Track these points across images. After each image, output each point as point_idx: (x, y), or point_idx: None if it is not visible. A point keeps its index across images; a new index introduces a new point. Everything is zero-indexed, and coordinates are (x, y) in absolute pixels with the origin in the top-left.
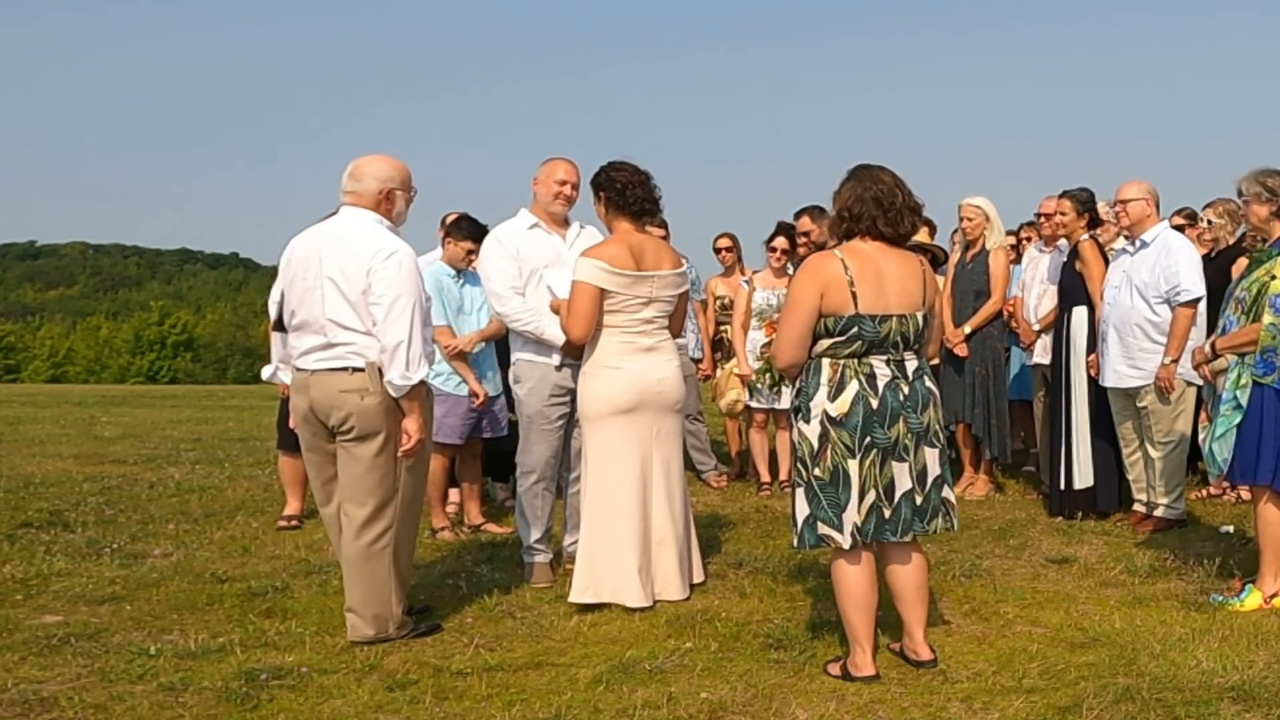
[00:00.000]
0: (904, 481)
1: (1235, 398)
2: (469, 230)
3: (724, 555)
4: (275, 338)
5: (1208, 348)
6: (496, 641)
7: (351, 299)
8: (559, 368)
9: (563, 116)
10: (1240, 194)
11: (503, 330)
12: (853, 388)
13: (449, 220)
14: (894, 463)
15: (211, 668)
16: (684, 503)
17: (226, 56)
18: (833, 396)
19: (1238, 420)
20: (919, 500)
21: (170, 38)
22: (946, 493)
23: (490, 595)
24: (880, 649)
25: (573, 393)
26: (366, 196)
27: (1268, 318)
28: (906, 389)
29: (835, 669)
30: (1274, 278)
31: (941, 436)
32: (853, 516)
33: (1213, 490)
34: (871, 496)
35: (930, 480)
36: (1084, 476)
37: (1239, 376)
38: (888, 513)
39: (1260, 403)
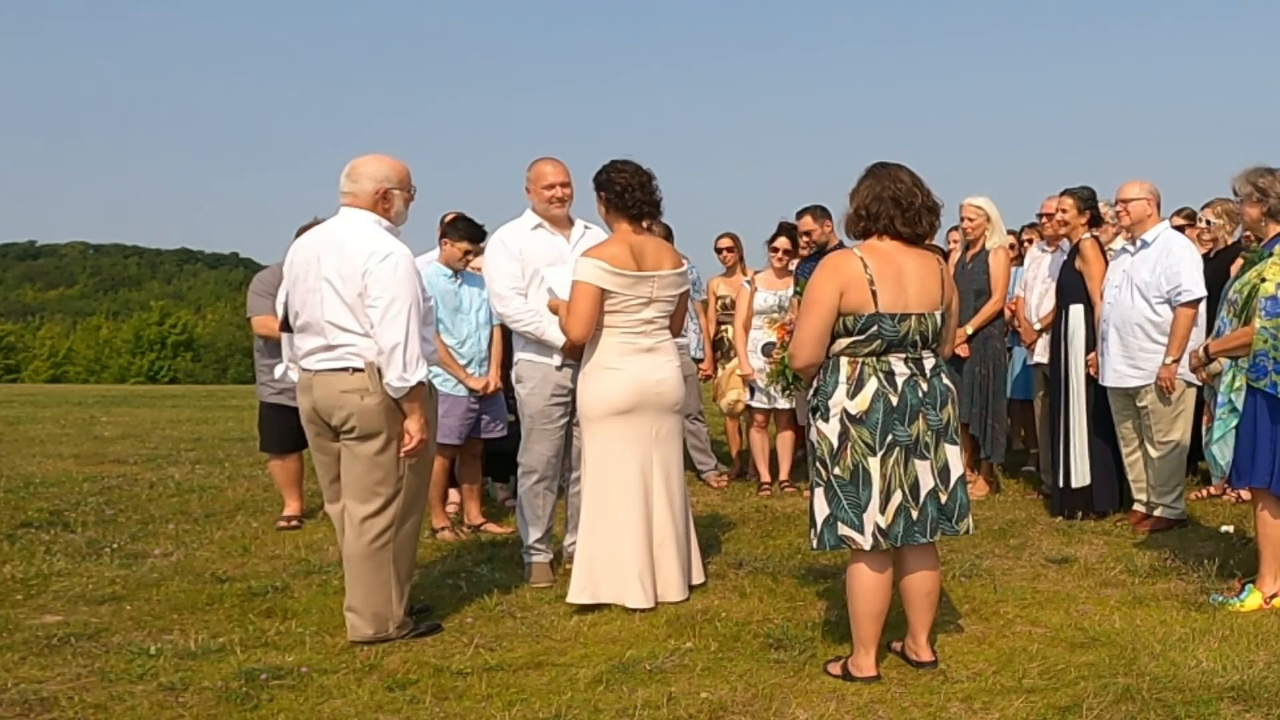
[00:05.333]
0: (927, 480)
1: (1230, 401)
2: (466, 231)
3: (724, 555)
4: (284, 338)
5: (1201, 351)
6: (496, 641)
7: (348, 301)
8: (560, 368)
9: (565, 117)
10: (1235, 193)
11: (501, 340)
12: (872, 385)
13: (446, 220)
14: (917, 460)
15: (211, 668)
16: (684, 503)
17: (227, 57)
18: (852, 394)
19: (1234, 423)
20: (944, 499)
21: (171, 38)
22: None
23: (490, 595)
24: (881, 648)
25: (574, 392)
26: (363, 197)
27: (1258, 321)
28: (925, 386)
29: (835, 669)
30: (1264, 280)
31: (959, 434)
32: (874, 517)
33: (1213, 490)
34: (898, 498)
35: (954, 478)
36: (1081, 475)
37: (1234, 379)
38: (915, 513)
39: (1255, 406)
